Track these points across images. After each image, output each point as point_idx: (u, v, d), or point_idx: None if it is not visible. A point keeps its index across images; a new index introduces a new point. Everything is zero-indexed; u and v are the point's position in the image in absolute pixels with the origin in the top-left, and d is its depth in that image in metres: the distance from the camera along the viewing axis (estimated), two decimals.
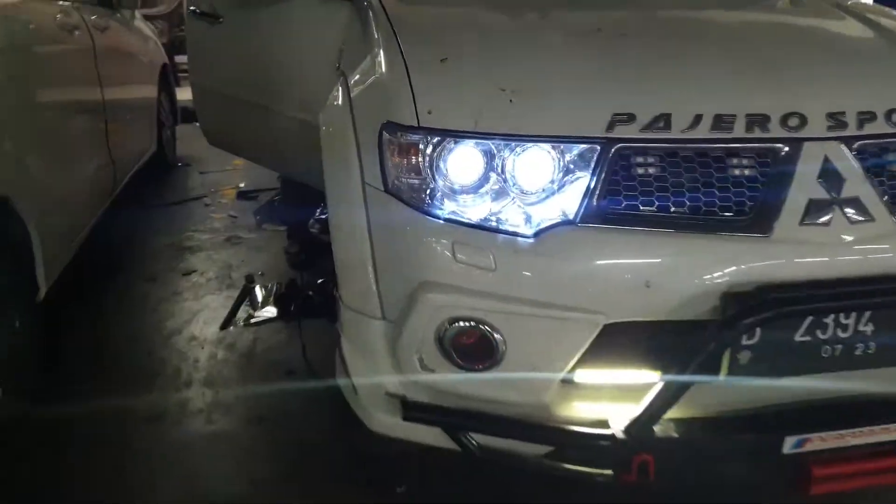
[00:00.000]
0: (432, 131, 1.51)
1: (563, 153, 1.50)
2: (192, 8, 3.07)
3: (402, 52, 1.65)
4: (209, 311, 3.04)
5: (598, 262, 1.44)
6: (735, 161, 1.49)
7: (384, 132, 1.58)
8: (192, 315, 3.01)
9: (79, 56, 2.90)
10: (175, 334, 2.86)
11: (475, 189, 1.53)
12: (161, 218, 4.18)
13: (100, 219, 3.21)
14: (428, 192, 1.53)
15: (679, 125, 1.47)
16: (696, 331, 1.44)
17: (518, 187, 1.51)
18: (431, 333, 1.49)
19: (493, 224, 1.50)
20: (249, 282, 3.27)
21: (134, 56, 4.01)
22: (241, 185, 4.71)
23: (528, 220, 1.50)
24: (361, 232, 1.60)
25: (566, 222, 1.47)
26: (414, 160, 1.54)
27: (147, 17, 5.63)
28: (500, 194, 1.53)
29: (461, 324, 1.46)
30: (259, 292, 3.18)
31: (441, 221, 1.50)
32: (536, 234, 1.46)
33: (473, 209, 1.51)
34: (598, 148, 1.48)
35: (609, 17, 1.97)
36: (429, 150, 1.52)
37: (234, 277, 3.36)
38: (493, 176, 1.52)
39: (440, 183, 1.52)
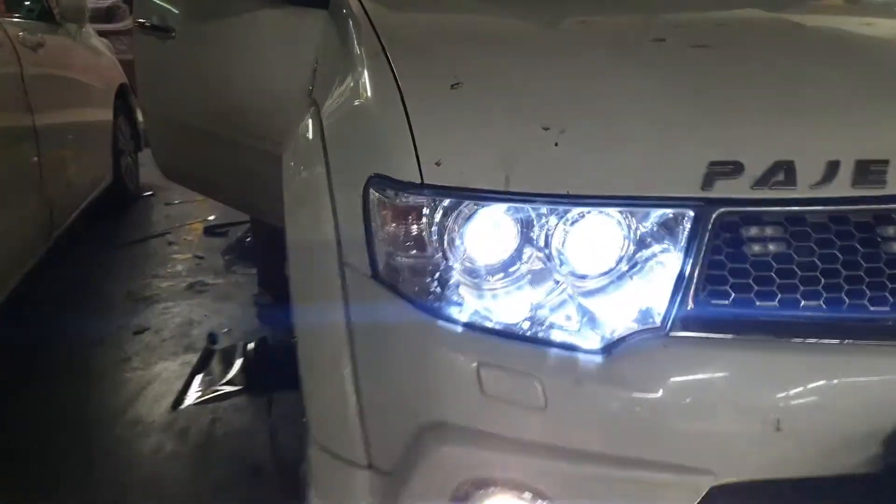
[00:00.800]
0: (443, 191, 1.02)
1: (637, 223, 1.01)
2: (139, 20, 2.55)
3: (394, 74, 1.15)
4: (161, 383, 2.53)
5: (704, 396, 0.94)
6: (891, 230, 1.01)
7: (371, 190, 1.09)
8: (140, 388, 2.50)
9: None
10: (118, 415, 2.35)
11: (509, 275, 1.03)
12: (117, 260, 3.65)
13: (34, 265, 2.72)
14: (437, 281, 1.04)
15: (807, 178, 0.99)
16: (846, 493, 0.95)
17: (571, 271, 1.02)
18: (446, 498, 0.99)
19: (539, 332, 1.00)
20: (211, 343, 2.77)
21: (81, 76, 3.49)
22: (211, 217, 4.19)
23: (590, 323, 1.00)
24: (338, 337, 1.10)
25: (650, 330, 0.97)
26: (416, 233, 1.04)
27: (107, 33, 5.13)
28: (543, 282, 1.04)
29: (493, 489, 0.96)
30: (222, 357, 2.67)
31: (458, 328, 1.00)
32: (607, 350, 0.97)
33: (507, 307, 1.02)
34: (692, 214, 0.99)
35: (667, 21, 1.48)
36: (438, 219, 1.03)
37: (194, 336, 2.85)
38: (534, 255, 1.03)
39: (456, 268, 1.03)
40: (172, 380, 2.55)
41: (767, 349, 0.96)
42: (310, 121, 1.36)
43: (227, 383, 2.51)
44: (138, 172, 4.71)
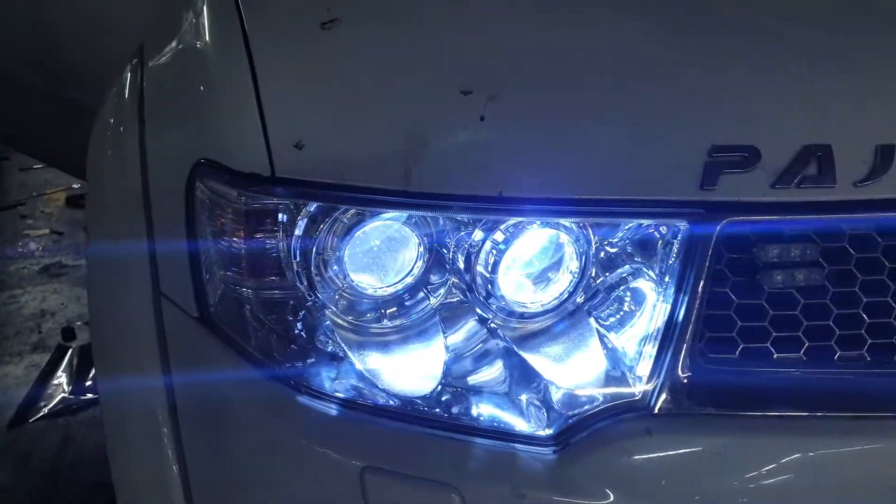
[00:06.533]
0: (306, 189, 0.65)
1: (602, 239, 0.68)
2: None
3: (238, 4, 0.75)
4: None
5: None
6: None
7: (198, 184, 0.70)
8: None
9: None
10: None
11: (408, 315, 0.69)
12: None
13: None
14: (298, 328, 0.68)
15: (850, 171, 0.67)
16: None
17: (504, 308, 0.68)
18: None
19: (456, 412, 0.65)
20: (67, 339, 2.31)
21: None
22: (76, 185, 3.61)
23: (535, 395, 0.66)
24: (153, 406, 0.72)
25: (625, 406, 0.64)
26: (265, 252, 0.68)
27: None
28: (461, 323, 0.70)
29: None
30: (79, 357, 2.23)
31: (331, 409, 0.64)
32: (562, 441, 0.63)
33: (406, 369, 0.67)
34: (685, 226, 0.66)
35: None
36: (300, 232, 0.66)
37: (46, 330, 2.38)
38: (449, 284, 0.69)
39: (329, 305, 0.67)
40: (14, 389, 2.10)
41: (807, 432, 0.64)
42: (128, 76, 0.94)
43: (85, 391, 2.08)
44: None
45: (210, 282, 0.70)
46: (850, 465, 0.64)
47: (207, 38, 0.79)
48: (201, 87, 0.77)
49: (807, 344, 0.67)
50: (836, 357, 0.68)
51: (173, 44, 0.88)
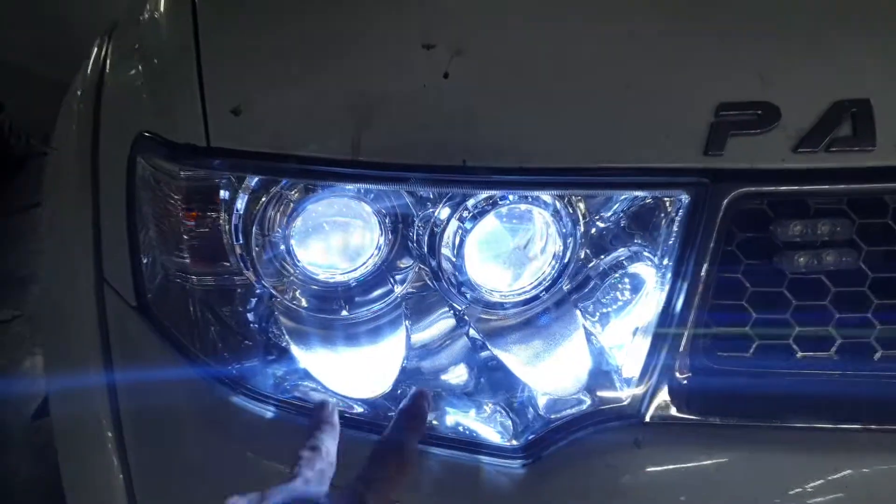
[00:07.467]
0: (245, 160, 0.57)
1: (590, 214, 0.58)
2: None
3: None
4: (26, 385, 2.07)
5: None
6: None
7: (139, 158, 0.63)
8: None
9: None
10: None
11: (367, 305, 0.60)
12: None
13: None
14: (242, 320, 0.59)
15: (894, 131, 0.55)
16: None
17: (475, 297, 0.58)
18: None
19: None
20: None
21: None
22: None
23: (506, 398, 0.57)
24: (94, 400, 0.65)
25: (611, 413, 0.54)
26: (204, 232, 0.60)
27: None
28: (428, 315, 0.60)
29: None
30: None
31: (268, 411, 0.56)
32: (534, 453, 0.54)
33: (362, 369, 0.58)
34: (687, 199, 0.55)
35: None
36: (241, 208, 0.58)
37: None
38: (412, 270, 0.60)
39: (275, 293, 0.59)
40: (40, 381, 2.09)
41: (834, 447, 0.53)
42: (95, 51, 0.88)
43: None
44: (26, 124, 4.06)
45: (150, 267, 0.63)
46: (882, 486, 0.53)
47: (161, 8, 0.72)
48: (153, 59, 0.70)
49: (839, 341, 0.56)
50: (875, 357, 0.56)
51: (135, 18, 0.82)
